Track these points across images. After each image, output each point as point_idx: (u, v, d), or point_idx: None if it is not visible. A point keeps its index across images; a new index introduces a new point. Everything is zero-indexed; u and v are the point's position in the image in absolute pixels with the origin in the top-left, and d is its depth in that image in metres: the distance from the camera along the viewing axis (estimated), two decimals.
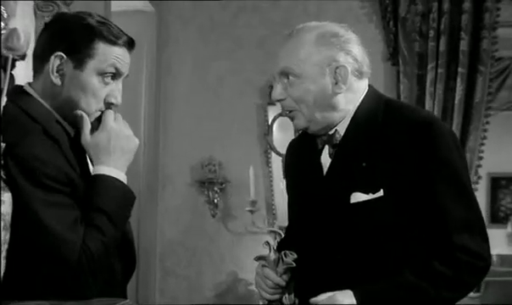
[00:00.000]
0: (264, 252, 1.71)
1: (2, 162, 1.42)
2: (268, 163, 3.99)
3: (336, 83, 1.62)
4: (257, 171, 3.90)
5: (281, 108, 1.72)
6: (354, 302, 1.51)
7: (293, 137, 3.83)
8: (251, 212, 3.81)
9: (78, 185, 1.51)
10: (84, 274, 1.45)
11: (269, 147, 4.00)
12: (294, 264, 1.64)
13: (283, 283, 1.69)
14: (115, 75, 1.59)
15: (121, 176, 1.59)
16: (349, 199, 1.59)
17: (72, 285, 1.45)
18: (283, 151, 3.97)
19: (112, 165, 1.57)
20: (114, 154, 1.58)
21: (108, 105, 1.60)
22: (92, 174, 1.57)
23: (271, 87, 3.97)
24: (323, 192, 1.65)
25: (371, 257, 1.58)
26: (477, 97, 3.68)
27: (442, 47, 3.69)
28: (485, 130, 3.73)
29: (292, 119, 1.70)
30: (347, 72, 1.62)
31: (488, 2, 3.68)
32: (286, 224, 1.88)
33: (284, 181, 3.89)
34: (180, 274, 4.06)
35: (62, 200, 1.47)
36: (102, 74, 1.57)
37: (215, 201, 3.99)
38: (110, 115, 1.60)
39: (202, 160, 4.02)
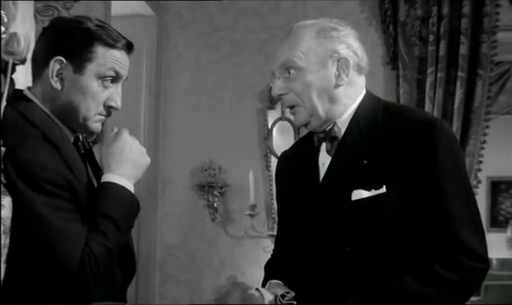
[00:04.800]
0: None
1: (2, 166, 1.42)
2: (268, 167, 3.99)
3: (339, 75, 1.63)
4: (257, 175, 3.90)
5: (282, 103, 1.71)
6: None
7: (293, 141, 3.93)
8: (251, 216, 3.81)
9: (78, 190, 1.51)
10: (86, 278, 1.45)
11: (268, 151, 4.00)
12: (295, 303, 1.60)
13: None
14: (115, 79, 1.60)
15: (129, 186, 1.59)
16: (350, 196, 1.57)
17: (73, 289, 1.44)
18: None
19: (121, 174, 1.58)
20: (126, 164, 1.59)
21: (108, 109, 1.61)
22: (101, 181, 1.58)
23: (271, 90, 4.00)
24: (323, 191, 1.63)
25: (374, 255, 1.55)
26: (477, 101, 3.68)
27: (441, 52, 3.68)
28: (484, 134, 3.72)
29: (293, 114, 1.69)
30: (348, 64, 1.63)
31: (488, 7, 3.68)
32: None
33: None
34: (179, 278, 4.05)
35: (62, 204, 1.46)
36: (101, 77, 1.57)
37: (215, 205, 3.99)
38: (126, 130, 1.64)
39: (201, 164, 4.02)
